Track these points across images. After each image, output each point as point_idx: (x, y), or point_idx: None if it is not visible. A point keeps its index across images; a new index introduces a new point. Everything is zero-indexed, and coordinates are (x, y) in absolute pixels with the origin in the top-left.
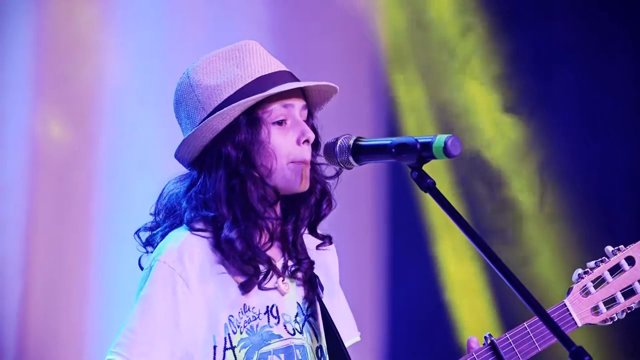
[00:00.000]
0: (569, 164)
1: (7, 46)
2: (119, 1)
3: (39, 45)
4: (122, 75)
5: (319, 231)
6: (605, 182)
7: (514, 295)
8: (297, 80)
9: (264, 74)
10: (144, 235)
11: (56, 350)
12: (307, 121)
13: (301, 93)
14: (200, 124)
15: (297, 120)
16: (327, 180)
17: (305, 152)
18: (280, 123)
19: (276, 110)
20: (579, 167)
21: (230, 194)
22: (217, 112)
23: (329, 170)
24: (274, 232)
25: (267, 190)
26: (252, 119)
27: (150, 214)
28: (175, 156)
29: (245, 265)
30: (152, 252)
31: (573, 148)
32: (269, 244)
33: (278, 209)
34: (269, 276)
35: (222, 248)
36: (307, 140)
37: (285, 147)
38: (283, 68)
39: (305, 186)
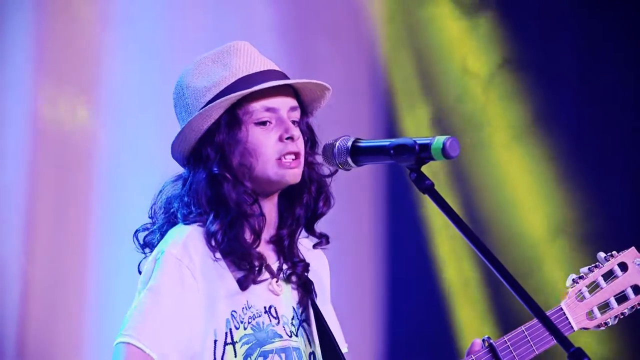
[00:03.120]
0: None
1: (7, 46)
2: (119, 1)
3: (39, 44)
4: (121, 75)
5: (316, 229)
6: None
7: (513, 298)
8: (286, 78)
9: (247, 73)
10: (142, 236)
11: (56, 350)
12: (299, 120)
13: (292, 92)
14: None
15: (281, 119)
16: (324, 179)
17: (290, 145)
18: (263, 124)
19: (258, 112)
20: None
21: (212, 194)
22: (197, 113)
23: (325, 169)
24: (260, 231)
25: (245, 190)
26: (232, 119)
27: (149, 217)
28: (172, 157)
29: (240, 261)
30: (150, 254)
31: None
32: (257, 241)
33: (272, 208)
34: (262, 272)
35: (211, 243)
36: (290, 137)
37: (268, 145)
38: (269, 67)
39: (294, 178)
